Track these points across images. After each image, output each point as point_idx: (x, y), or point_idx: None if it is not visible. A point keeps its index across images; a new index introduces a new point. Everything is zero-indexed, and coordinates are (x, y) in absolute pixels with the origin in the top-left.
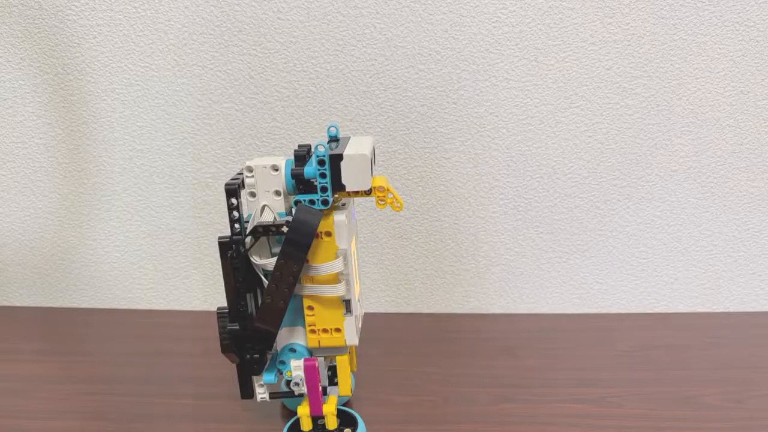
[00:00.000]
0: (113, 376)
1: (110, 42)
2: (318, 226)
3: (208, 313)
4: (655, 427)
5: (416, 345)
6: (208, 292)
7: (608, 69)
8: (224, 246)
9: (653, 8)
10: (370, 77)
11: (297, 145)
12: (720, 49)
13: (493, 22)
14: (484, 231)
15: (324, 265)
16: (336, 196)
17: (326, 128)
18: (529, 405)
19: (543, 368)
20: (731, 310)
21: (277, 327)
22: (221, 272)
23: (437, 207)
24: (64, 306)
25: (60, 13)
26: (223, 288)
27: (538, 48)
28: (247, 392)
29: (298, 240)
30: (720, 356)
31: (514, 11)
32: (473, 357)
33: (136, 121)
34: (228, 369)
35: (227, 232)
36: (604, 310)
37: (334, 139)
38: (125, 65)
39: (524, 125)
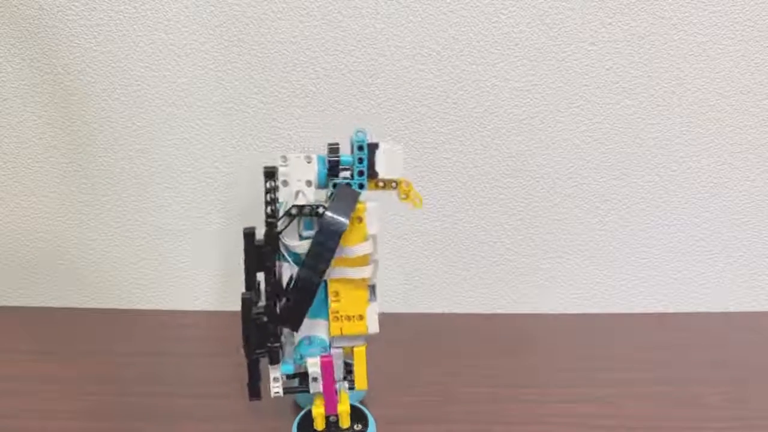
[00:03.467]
0: (113, 376)
1: (110, 42)
2: (357, 201)
3: (208, 312)
4: (655, 427)
5: (417, 345)
6: (208, 292)
7: (608, 69)
8: (250, 236)
9: (653, 8)
10: (370, 77)
11: (297, 144)
12: (720, 49)
13: (493, 22)
14: (484, 231)
15: (355, 247)
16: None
17: (354, 133)
18: (529, 405)
19: (543, 368)
20: (731, 310)
21: (310, 302)
22: (221, 272)
23: (437, 207)
24: (64, 306)
25: (60, 13)
26: (223, 288)
27: (538, 48)
28: (256, 392)
29: (339, 212)
30: (720, 356)
31: (514, 11)
32: (474, 357)
33: (136, 121)
34: (228, 369)
35: (227, 232)
36: (604, 310)
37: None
38: (125, 65)
39: (524, 125)
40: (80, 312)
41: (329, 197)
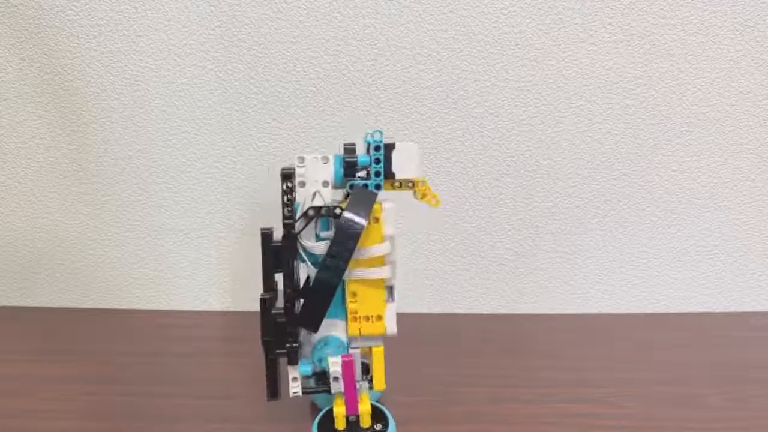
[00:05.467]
0: (113, 376)
1: (110, 42)
2: (374, 202)
3: (208, 313)
4: (655, 427)
5: (417, 345)
6: (208, 292)
7: (608, 69)
8: (267, 237)
9: (653, 8)
10: (370, 77)
11: (297, 144)
12: (720, 49)
13: (493, 22)
14: (484, 231)
15: (372, 247)
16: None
17: (371, 134)
18: (529, 405)
19: (543, 368)
20: (731, 310)
21: (329, 303)
22: (221, 272)
23: (437, 207)
24: (64, 306)
25: (60, 13)
26: (223, 288)
27: (538, 48)
28: (275, 392)
29: (356, 214)
30: (720, 356)
31: (514, 11)
32: (474, 357)
33: (136, 121)
34: (228, 369)
35: (227, 232)
36: (604, 310)
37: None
38: (125, 65)
39: (524, 125)
40: (80, 312)
41: (345, 198)
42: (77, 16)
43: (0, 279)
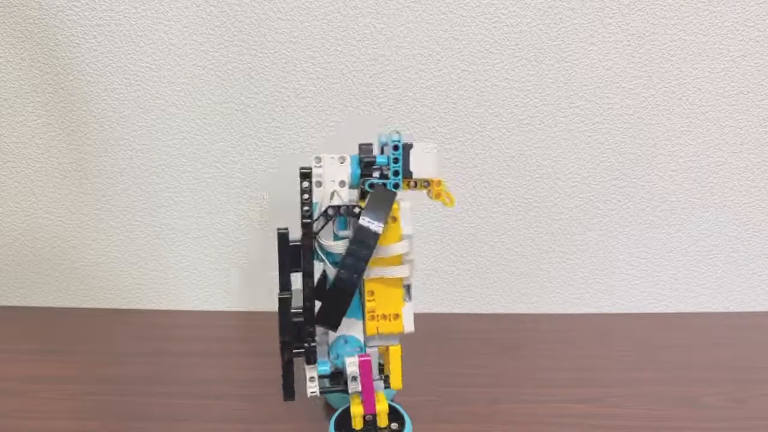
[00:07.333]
0: (113, 376)
1: (110, 42)
2: (393, 202)
3: (207, 312)
4: (655, 427)
5: (416, 345)
6: (208, 292)
7: (608, 69)
8: (284, 237)
9: (653, 8)
10: (370, 77)
11: (296, 145)
12: (720, 49)
13: (493, 22)
14: (484, 231)
15: (390, 246)
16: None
17: (390, 134)
18: (529, 405)
19: (543, 368)
20: (731, 310)
21: (349, 302)
22: (221, 272)
23: (437, 207)
24: (64, 306)
25: (60, 13)
26: (224, 288)
27: (538, 48)
28: (290, 393)
29: (376, 213)
30: (720, 356)
31: (514, 11)
32: (473, 357)
33: (136, 121)
34: (228, 369)
35: (227, 232)
36: (604, 310)
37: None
38: (125, 65)
39: (524, 125)
40: (80, 312)
41: (361, 196)
42: (77, 16)
43: (0, 279)
